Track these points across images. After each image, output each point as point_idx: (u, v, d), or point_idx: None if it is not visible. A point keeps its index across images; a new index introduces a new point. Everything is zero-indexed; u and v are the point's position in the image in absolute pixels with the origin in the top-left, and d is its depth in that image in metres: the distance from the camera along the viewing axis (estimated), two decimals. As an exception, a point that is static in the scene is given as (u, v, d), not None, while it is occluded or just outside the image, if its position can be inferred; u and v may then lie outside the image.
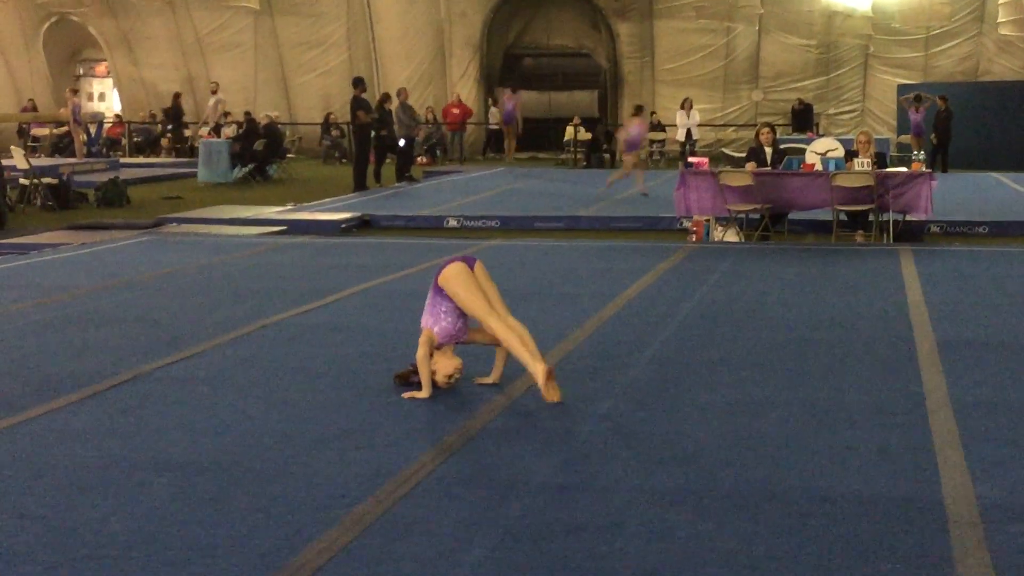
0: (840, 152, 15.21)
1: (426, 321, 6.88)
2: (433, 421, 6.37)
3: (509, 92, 29.94)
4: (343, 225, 16.74)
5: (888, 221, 14.52)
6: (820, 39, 33.21)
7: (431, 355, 6.80)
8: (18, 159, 21.09)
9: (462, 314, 6.88)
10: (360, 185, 22.51)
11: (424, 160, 30.64)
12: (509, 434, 6.08)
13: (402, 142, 24.19)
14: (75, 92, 31.91)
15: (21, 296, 10.47)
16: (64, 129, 32.14)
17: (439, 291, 6.88)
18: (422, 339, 6.81)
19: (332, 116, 33.33)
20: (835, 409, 6.50)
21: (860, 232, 14.54)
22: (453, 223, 17.46)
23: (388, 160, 24.49)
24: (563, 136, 32.63)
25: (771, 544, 4.52)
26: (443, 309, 6.86)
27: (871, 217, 14.58)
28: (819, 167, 14.72)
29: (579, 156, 31.37)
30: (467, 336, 6.98)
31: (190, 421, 6.35)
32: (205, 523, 4.78)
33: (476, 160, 33.18)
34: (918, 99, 27.68)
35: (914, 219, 14.65)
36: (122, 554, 4.46)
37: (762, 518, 4.80)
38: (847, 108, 33.50)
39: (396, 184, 23.64)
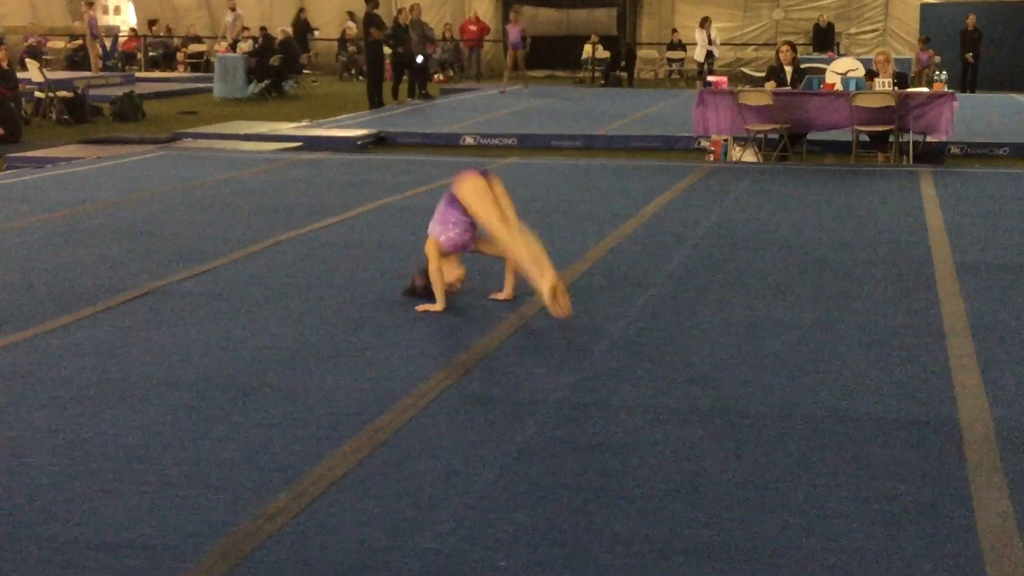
0: (860, 72, 15.03)
1: (433, 230, 6.84)
2: (447, 339, 6.36)
3: (514, 16, 28.79)
4: (359, 142, 16.66)
5: (908, 142, 14.38)
6: (843, -45, 32.70)
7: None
8: (33, 72, 20.99)
9: (471, 226, 6.83)
10: (375, 102, 22.36)
11: (441, 77, 30.38)
12: (524, 352, 6.07)
13: (419, 59, 23.99)
14: (91, 5, 31.61)
15: (36, 210, 10.46)
16: (79, 43, 31.93)
17: (453, 201, 6.83)
18: (429, 249, 6.77)
19: (348, 32, 33.00)
20: (851, 331, 6.46)
21: (880, 153, 14.43)
22: (469, 141, 17.34)
23: (405, 77, 24.31)
24: (581, 54, 32.29)
25: (785, 464, 4.52)
26: (453, 220, 6.81)
27: (891, 138, 14.44)
28: (839, 87, 14.57)
29: (597, 75, 31.10)
30: (474, 246, 6.94)
31: (204, 336, 6.36)
32: (219, 438, 4.79)
33: (494, 78, 32.89)
34: (926, 41, 27.34)
35: (935, 140, 14.51)
36: (136, 467, 4.48)
37: (777, 438, 4.79)
38: (868, 28, 33.02)
39: (412, 101, 23.50)
